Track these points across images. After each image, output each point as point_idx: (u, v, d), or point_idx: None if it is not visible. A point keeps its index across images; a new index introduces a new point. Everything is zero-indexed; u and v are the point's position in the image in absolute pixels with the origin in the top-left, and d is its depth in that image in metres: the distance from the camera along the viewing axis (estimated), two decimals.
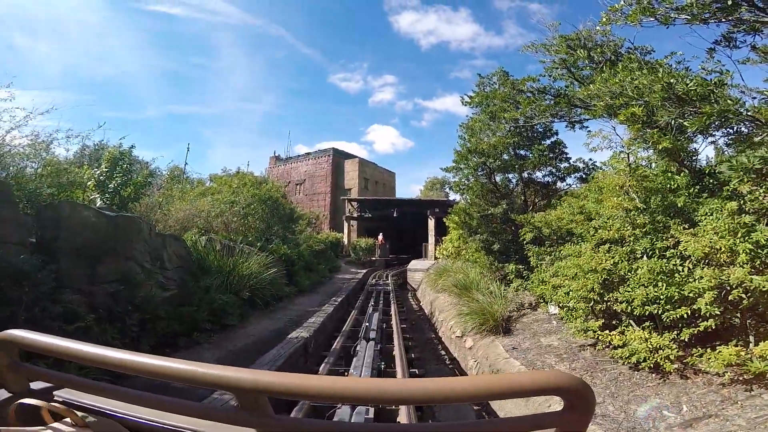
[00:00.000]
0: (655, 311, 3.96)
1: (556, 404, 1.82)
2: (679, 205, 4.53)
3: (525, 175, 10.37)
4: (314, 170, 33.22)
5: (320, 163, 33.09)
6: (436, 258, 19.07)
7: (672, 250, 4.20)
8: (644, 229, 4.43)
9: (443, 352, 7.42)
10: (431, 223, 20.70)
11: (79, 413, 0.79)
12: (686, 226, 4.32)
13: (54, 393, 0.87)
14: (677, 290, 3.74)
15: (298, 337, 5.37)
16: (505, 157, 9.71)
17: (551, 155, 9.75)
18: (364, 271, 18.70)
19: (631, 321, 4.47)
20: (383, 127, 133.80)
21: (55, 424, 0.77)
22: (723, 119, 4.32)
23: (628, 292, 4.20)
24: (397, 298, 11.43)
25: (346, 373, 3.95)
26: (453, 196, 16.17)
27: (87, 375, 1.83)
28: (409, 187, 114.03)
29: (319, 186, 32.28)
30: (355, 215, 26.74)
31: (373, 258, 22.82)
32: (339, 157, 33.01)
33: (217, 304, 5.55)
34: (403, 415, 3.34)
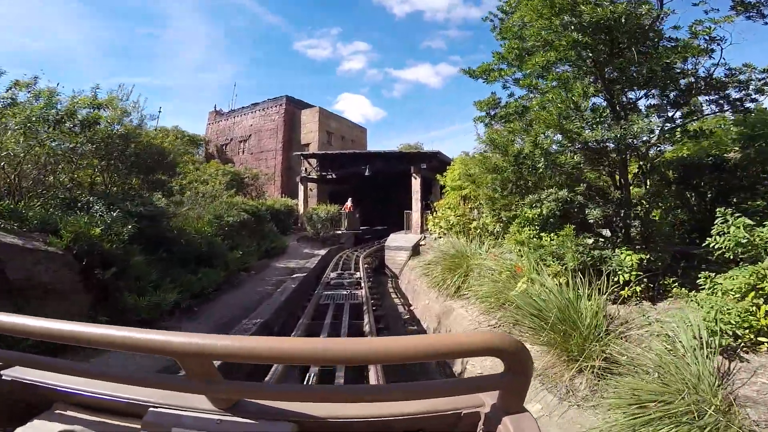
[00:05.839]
0: None
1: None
2: None
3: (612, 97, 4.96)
4: (262, 123, 26.13)
5: (270, 114, 25.97)
6: (424, 231, 13.77)
7: None
8: None
9: None
10: (416, 183, 15.15)
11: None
12: None
13: (2, 372, 0.84)
14: None
15: None
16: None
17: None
18: (323, 252, 13.05)
19: None
20: (354, 96, 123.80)
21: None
22: None
23: None
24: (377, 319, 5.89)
25: None
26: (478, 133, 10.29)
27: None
28: None
29: (268, 142, 25.39)
30: (314, 176, 20.51)
31: (339, 231, 17.12)
32: (294, 107, 25.99)
33: None
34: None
